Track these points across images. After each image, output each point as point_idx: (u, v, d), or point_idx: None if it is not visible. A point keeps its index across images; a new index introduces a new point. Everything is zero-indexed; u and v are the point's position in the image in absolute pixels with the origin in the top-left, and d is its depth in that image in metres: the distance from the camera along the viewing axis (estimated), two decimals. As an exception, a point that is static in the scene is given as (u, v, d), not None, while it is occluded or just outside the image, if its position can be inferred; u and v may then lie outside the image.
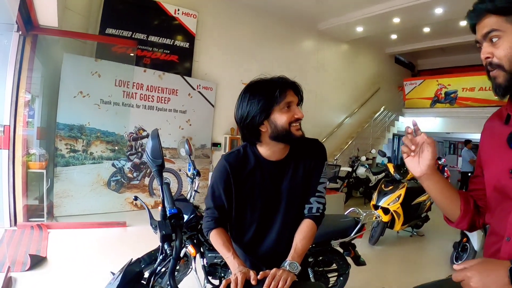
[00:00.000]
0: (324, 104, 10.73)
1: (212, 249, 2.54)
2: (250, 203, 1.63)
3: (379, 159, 10.98)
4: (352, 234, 2.94)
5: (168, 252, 1.37)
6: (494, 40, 1.06)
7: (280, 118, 1.50)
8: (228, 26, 8.50)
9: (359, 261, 3.08)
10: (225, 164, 1.61)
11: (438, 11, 8.78)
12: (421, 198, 5.76)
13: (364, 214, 3.15)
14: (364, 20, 9.56)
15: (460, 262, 3.21)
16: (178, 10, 7.60)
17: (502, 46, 1.04)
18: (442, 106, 11.18)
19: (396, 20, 9.49)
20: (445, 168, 11.82)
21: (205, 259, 2.58)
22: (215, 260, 2.57)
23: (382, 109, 12.16)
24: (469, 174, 8.87)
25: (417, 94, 11.88)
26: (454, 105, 10.96)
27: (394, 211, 5.25)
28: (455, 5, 8.29)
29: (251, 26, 8.93)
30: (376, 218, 5.13)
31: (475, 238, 4.49)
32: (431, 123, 11.83)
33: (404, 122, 12.32)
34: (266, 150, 1.60)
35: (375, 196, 5.59)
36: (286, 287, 1.29)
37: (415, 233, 6.07)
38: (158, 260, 1.45)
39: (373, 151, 10.36)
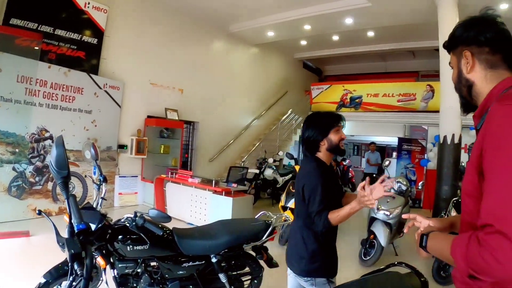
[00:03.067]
0: (232, 106, 10.77)
1: (122, 259, 2.48)
2: (331, 192, 2.21)
3: (286, 161, 11.25)
4: (263, 238, 2.99)
5: (78, 272, 1.27)
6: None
7: (334, 137, 2.25)
8: (139, 24, 8.14)
9: (271, 263, 3.15)
10: (317, 165, 2.26)
11: (348, 21, 9.31)
12: None
13: (275, 217, 3.21)
14: (276, 25, 9.78)
15: (368, 258, 3.43)
16: (89, 3, 7.11)
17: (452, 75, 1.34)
18: (347, 110, 11.80)
19: (307, 27, 9.88)
20: (350, 169, 12.64)
21: (115, 270, 2.50)
22: (126, 271, 2.51)
23: (289, 112, 12.46)
24: (374, 175, 9.40)
25: (323, 98, 12.42)
26: (358, 110, 11.68)
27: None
28: (364, 17, 8.95)
29: (162, 25, 8.66)
30: (285, 219, 5.26)
31: (382, 235, 4.76)
32: (337, 126, 12.51)
33: None
34: (323, 157, 2.29)
35: (283, 197, 5.62)
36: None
37: (325, 232, 6.30)
38: (68, 282, 1.36)
39: (280, 153, 10.58)
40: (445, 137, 7.35)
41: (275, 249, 5.01)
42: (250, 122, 11.59)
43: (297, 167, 6.08)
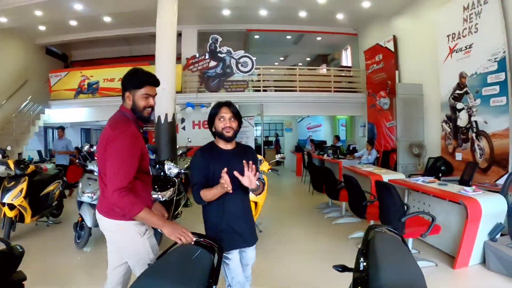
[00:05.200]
0: None
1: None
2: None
3: (26, 155, 10.65)
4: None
5: None
6: None
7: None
8: None
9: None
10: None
11: (78, 7, 9.63)
12: (50, 188, 6.27)
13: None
14: (7, 10, 9.30)
15: (79, 240, 4.29)
16: None
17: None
18: (86, 96, 12.01)
19: (39, 12, 9.67)
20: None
21: None
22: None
23: (28, 100, 11.81)
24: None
25: (62, 86, 12.24)
26: (96, 95, 12.00)
27: (19, 205, 5.46)
28: (94, 3, 9.55)
29: None
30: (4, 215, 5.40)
31: (88, 216, 5.10)
32: (78, 113, 12.54)
33: (50, 114, 12.43)
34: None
35: None
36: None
37: (51, 222, 6.47)
38: None
39: (9, 147, 9.94)
40: (159, 117, 8.16)
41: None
42: None
43: (10, 162, 5.98)
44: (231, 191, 2.23)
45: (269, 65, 14.21)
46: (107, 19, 11.21)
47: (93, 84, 12.06)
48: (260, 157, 6.02)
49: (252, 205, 5.22)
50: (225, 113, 2.43)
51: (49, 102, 12.41)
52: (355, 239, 5.25)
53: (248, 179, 2.29)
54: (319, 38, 14.57)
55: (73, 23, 11.39)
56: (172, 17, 8.35)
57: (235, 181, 2.27)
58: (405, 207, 4.31)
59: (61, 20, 10.94)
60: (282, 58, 18.51)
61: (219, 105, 2.47)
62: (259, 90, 12.21)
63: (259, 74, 12.22)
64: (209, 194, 2.31)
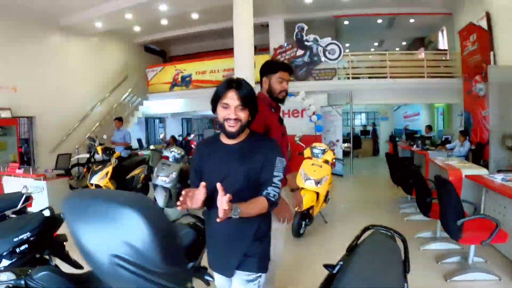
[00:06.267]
0: (70, 97, 10.87)
1: None
2: None
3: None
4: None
5: None
6: None
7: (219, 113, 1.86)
8: None
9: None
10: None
11: (163, 7, 10.17)
12: (135, 172, 6.90)
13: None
14: (101, 16, 10.24)
15: None
16: None
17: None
18: (180, 88, 12.76)
19: (129, 16, 10.49)
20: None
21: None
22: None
23: (127, 93, 12.87)
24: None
25: (158, 80, 13.16)
26: (189, 87, 12.69)
27: (105, 185, 6.13)
28: (178, 3, 10.04)
29: None
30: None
31: (160, 197, 5.47)
32: (174, 104, 13.41)
33: (149, 106, 13.40)
34: None
35: (89, 175, 6.42)
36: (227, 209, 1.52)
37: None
38: None
39: (104, 136, 10.78)
40: None
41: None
42: (89, 110, 11.70)
43: (99, 148, 6.77)
44: (195, 207, 1.69)
45: (363, 52, 13.47)
46: (195, 16, 11.71)
47: (186, 77, 12.74)
48: (324, 146, 5.71)
49: (313, 196, 5.11)
50: (231, 99, 1.79)
51: (147, 95, 13.44)
52: (421, 239, 4.76)
53: (220, 205, 1.55)
54: (412, 20, 13.40)
55: (164, 22, 12.10)
56: (247, 8, 8.45)
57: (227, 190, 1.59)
58: (474, 208, 3.82)
59: (153, 20, 11.71)
60: (376, 44, 17.54)
61: (226, 86, 1.81)
62: (348, 78, 11.71)
63: (349, 61, 11.72)
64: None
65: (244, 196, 1.70)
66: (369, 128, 17.88)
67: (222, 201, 1.52)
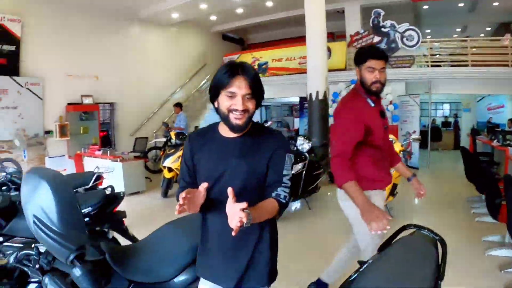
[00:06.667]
0: (149, 85, 11.74)
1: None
2: None
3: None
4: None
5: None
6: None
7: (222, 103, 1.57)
8: (52, 25, 9.08)
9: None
10: None
11: None
12: None
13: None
14: (177, 7, 10.86)
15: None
16: (4, 17, 8.05)
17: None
18: (256, 76, 13.24)
19: (204, 6, 10.95)
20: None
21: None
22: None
23: (205, 80, 13.51)
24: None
25: (235, 67, 13.69)
26: (265, 75, 12.96)
27: (176, 168, 6.71)
28: None
29: (74, 21, 9.55)
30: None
31: None
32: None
33: None
34: None
35: (162, 158, 7.17)
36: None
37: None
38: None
39: None
40: (310, 94, 8.43)
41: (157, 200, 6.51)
42: (168, 96, 12.50)
43: (172, 134, 7.42)
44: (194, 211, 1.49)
45: (446, 38, 12.68)
46: (269, 3, 11.90)
47: (263, 64, 13.13)
48: (392, 137, 5.65)
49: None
50: (238, 88, 1.51)
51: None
52: (488, 243, 4.40)
53: (233, 214, 1.30)
54: (496, 4, 12.33)
55: (240, 10, 12.43)
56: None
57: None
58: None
59: (228, 9, 12.11)
60: (459, 29, 16.35)
61: (231, 71, 1.53)
62: (428, 66, 11.18)
63: (428, 48, 11.18)
64: None
65: (245, 197, 1.35)
66: (451, 119, 16.82)
67: (236, 209, 1.28)
